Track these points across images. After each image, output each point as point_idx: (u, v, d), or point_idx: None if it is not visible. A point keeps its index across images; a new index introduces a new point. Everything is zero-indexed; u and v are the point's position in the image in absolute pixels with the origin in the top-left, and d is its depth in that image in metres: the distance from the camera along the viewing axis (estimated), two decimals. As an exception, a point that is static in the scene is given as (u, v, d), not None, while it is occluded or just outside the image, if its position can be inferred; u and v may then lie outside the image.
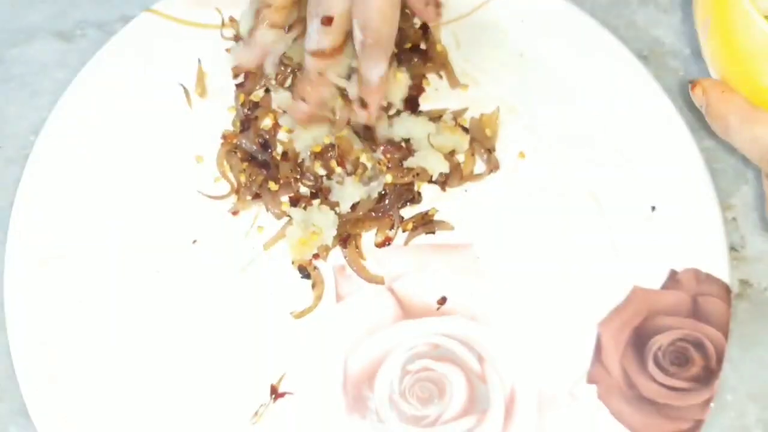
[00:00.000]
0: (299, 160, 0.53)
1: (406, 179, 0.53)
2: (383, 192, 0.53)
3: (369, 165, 0.52)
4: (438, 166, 0.53)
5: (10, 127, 0.57)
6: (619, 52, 0.57)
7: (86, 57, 0.57)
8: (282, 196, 0.53)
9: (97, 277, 0.51)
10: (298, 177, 0.53)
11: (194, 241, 0.52)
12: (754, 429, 0.48)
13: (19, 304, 0.49)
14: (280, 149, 0.54)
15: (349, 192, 0.52)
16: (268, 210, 0.53)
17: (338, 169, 0.52)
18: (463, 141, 0.54)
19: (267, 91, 0.55)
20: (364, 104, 0.51)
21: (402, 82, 0.54)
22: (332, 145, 0.53)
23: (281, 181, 0.53)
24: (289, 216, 0.52)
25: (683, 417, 0.47)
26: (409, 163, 0.53)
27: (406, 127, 0.54)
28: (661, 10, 0.61)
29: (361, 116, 0.51)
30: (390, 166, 0.53)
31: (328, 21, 0.48)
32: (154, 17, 0.58)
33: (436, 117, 0.55)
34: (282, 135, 0.54)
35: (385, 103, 0.53)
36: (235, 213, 0.53)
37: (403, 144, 0.53)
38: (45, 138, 0.54)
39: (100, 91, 0.56)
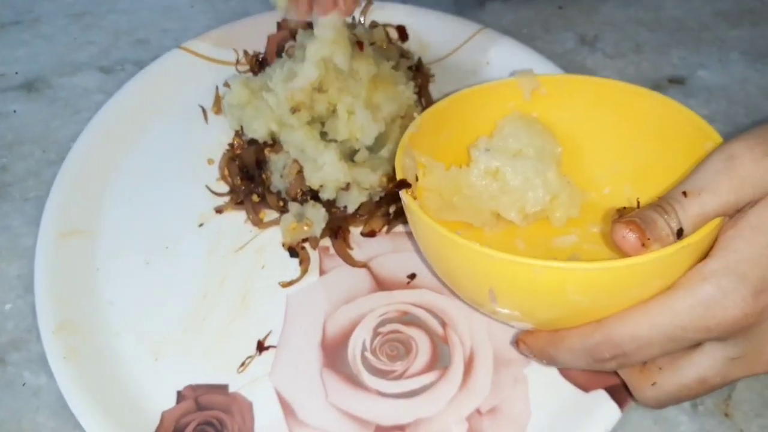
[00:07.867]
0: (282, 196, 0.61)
1: None
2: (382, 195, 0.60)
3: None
4: None
5: (53, 135, 0.67)
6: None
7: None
8: (263, 208, 0.61)
9: (114, 249, 0.59)
10: (282, 207, 0.60)
11: (200, 225, 0.61)
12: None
13: (46, 270, 0.56)
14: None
15: (354, 197, 0.59)
16: (248, 217, 0.61)
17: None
18: None
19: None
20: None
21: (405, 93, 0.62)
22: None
23: (263, 198, 0.61)
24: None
25: (623, 373, 0.52)
26: None
27: None
28: (607, 56, 0.72)
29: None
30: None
31: None
32: (181, 53, 0.70)
33: None
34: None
35: None
36: (219, 211, 0.61)
37: None
38: (80, 142, 0.64)
39: (130, 107, 0.67)
